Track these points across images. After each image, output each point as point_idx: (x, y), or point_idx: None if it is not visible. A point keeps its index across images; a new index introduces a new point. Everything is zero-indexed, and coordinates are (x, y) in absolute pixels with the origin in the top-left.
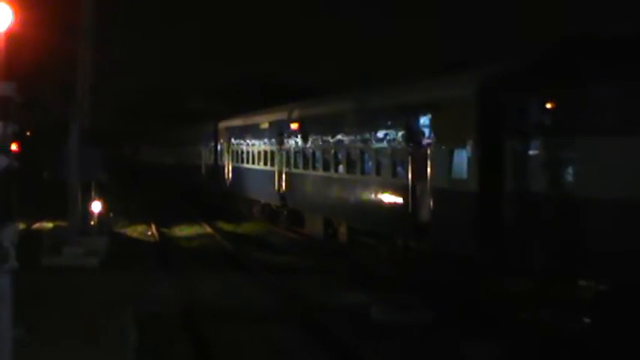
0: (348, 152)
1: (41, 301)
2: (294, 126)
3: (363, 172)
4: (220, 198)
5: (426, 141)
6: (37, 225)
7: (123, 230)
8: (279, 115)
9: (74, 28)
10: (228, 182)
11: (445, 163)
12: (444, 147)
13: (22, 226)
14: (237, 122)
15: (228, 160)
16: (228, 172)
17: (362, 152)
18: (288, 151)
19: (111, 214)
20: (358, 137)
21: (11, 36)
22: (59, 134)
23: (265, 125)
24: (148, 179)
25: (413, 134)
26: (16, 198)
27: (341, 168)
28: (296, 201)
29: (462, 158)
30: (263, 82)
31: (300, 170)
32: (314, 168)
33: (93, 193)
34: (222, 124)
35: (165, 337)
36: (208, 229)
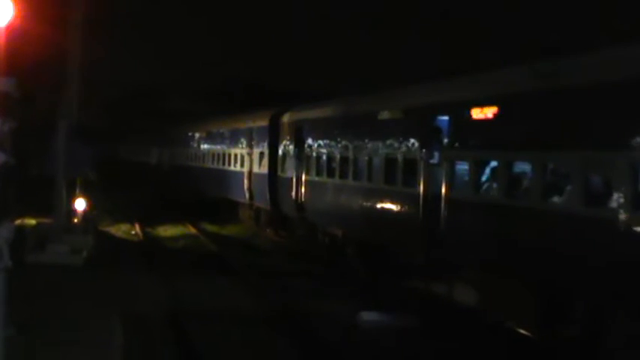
0: None
1: (27, 300)
2: (480, 113)
3: None
4: (278, 222)
5: None
6: (19, 221)
7: (107, 229)
8: (432, 96)
9: (68, 23)
10: (297, 204)
11: None
12: None
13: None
14: (321, 113)
15: (302, 171)
16: (301, 188)
17: None
18: (454, 161)
19: (95, 212)
20: None
21: (11, 31)
22: (46, 130)
23: (394, 115)
24: (144, 183)
25: None
26: (13, 195)
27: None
28: (479, 253)
29: None
30: (248, 85)
31: (506, 200)
32: (544, 197)
33: (77, 191)
34: (289, 117)
35: (150, 338)
36: (192, 230)
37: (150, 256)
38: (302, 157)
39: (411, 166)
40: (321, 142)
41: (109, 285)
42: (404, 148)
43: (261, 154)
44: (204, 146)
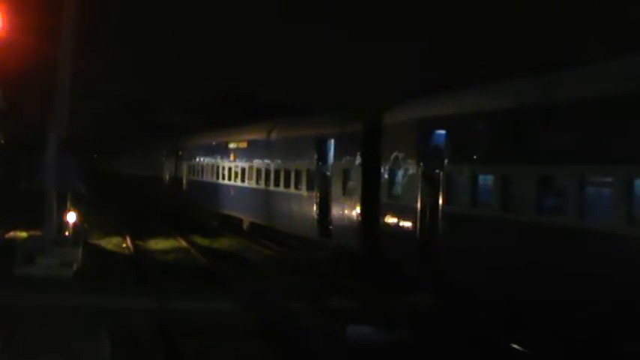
0: None
1: (15, 312)
2: None
3: None
4: (377, 272)
5: None
6: (10, 234)
7: (98, 242)
8: None
9: (57, 34)
10: (422, 248)
11: None
12: None
13: None
14: (482, 103)
15: (437, 198)
16: (433, 224)
17: None
18: None
19: (85, 225)
20: None
21: None
22: (36, 143)
23: None
24: (152, 201)
25: None
26: None
27: None
28: None
29: None
30: (241, 97)
31: None
32: None
33: (68, 204)
34: (405, 116)
35: (139, 352)
36: (184, 243)
37: (140, 268)
38: (435, 177)
39: None
40: (485, 152)
41: (97, 298)
42: None
43: (346, 171)
44: (243, 160)
